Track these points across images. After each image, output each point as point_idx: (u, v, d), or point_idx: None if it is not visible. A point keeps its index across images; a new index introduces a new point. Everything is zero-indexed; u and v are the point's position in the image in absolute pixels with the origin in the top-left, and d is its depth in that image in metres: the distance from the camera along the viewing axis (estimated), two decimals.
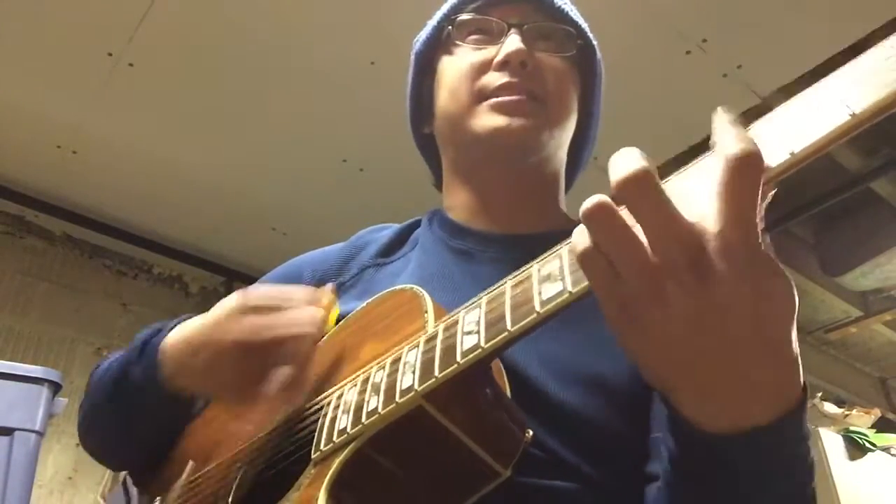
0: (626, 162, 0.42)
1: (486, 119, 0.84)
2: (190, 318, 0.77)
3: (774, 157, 0.43)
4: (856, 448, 3.06)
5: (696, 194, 0.44)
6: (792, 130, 0.43)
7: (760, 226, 0.42)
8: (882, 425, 3.35)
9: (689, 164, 0.46)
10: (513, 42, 0.84)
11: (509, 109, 0.83)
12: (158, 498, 0.81)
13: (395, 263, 0.91)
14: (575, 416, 0.68)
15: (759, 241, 0.42)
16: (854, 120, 0.41)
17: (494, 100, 0.84)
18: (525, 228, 0.87)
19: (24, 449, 1.60)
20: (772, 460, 0.47)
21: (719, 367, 0.44)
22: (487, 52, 0.87)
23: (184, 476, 0.79)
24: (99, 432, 0.89)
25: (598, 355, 0.72)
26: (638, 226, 0.43)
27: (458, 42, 0.90)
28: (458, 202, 0.93)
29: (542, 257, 0.52)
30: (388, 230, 0.98)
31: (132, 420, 0.82)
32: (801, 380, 0.47)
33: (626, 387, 0.70)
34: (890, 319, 4.29)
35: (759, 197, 0.41)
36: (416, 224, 0.98)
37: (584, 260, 0.44)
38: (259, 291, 0.71)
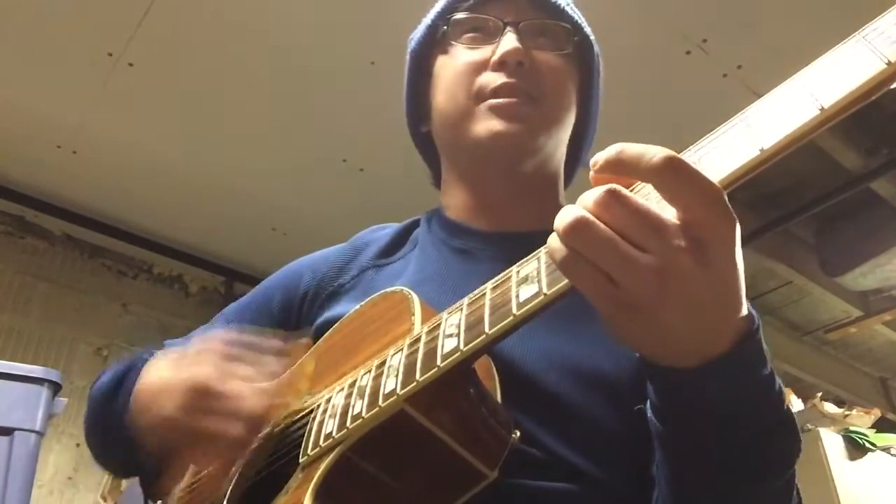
0: (588, 195, 0.45)
1: (485, 123, 0.83)
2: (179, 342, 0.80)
3: (745, 153, 0.43)
4: (856, 448, 3.05)
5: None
6: (762, 126, 0.43)
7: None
8: (882, 425, 3.34)
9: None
10: (509, 41, 0.83)
11: (507, 113, 0.82)
12: (160, 501, 0.81)
13: (395, 264, 0.90)
14: (573, 412, 0.68)
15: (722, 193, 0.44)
16: (823, 114, 0.41)
17: (492, 102, 0.83)
18: (525, 226, 0.86)
19: (24, 449, 1.59)
20: (740, 382, 0.51)
21: (696, 325, 0.47)
22: (483, 52, 0.86)
23: (185, 478, 0.79)
24: (96, 447, 0.91)
25: (599, 352, 0.71)
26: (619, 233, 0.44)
27: (453, 41, 0.89)
28: (456, 201, 0.92)
29: (523, 260, 0.52)
30: (388, 230, 0.97)
31: (120, 446, 0.81)
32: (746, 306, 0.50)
33: (627, 384, 0.69)
34: (890, 319, 4.28)
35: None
36: (416, 224, 0.97)
37: (567, 268, 0.45)
38: (229, 342, 0.70)
